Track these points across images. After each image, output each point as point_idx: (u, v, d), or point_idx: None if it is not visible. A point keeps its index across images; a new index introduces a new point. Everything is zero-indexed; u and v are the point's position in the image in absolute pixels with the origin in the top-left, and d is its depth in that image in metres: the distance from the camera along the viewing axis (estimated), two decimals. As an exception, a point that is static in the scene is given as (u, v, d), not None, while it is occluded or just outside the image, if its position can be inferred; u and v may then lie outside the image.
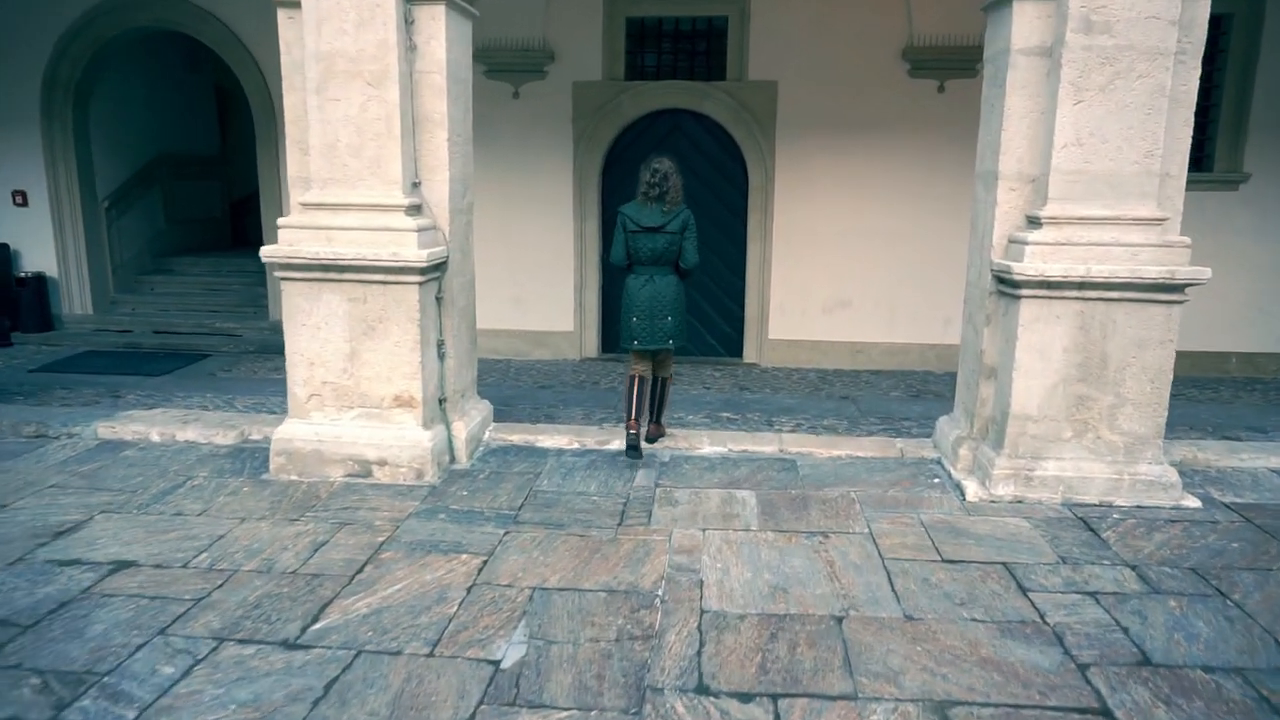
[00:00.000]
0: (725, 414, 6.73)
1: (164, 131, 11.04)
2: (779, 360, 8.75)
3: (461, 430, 4.98)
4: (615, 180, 8.81)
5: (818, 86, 8.19)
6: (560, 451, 5.14)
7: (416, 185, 4.67)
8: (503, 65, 8.45)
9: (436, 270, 4.71)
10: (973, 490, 4.38)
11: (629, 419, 5.02)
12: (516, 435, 5.34)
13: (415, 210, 4.62)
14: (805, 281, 8.59)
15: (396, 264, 4.46)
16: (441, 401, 4.94)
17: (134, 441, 5.29)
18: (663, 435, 5.30)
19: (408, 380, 4.66)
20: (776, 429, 6.22)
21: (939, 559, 3.68)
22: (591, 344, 9.02)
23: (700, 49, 8.56)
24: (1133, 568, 3.59)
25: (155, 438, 5.36)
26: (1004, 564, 3.63)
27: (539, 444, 5.25)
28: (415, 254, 4.44)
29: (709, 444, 5.20)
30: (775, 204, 8.47)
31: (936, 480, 4.64)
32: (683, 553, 3.75)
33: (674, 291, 5.00)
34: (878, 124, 8.19)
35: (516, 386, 7.88)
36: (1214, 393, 7.88)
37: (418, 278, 4.51)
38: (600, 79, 8.47)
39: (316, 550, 3.77)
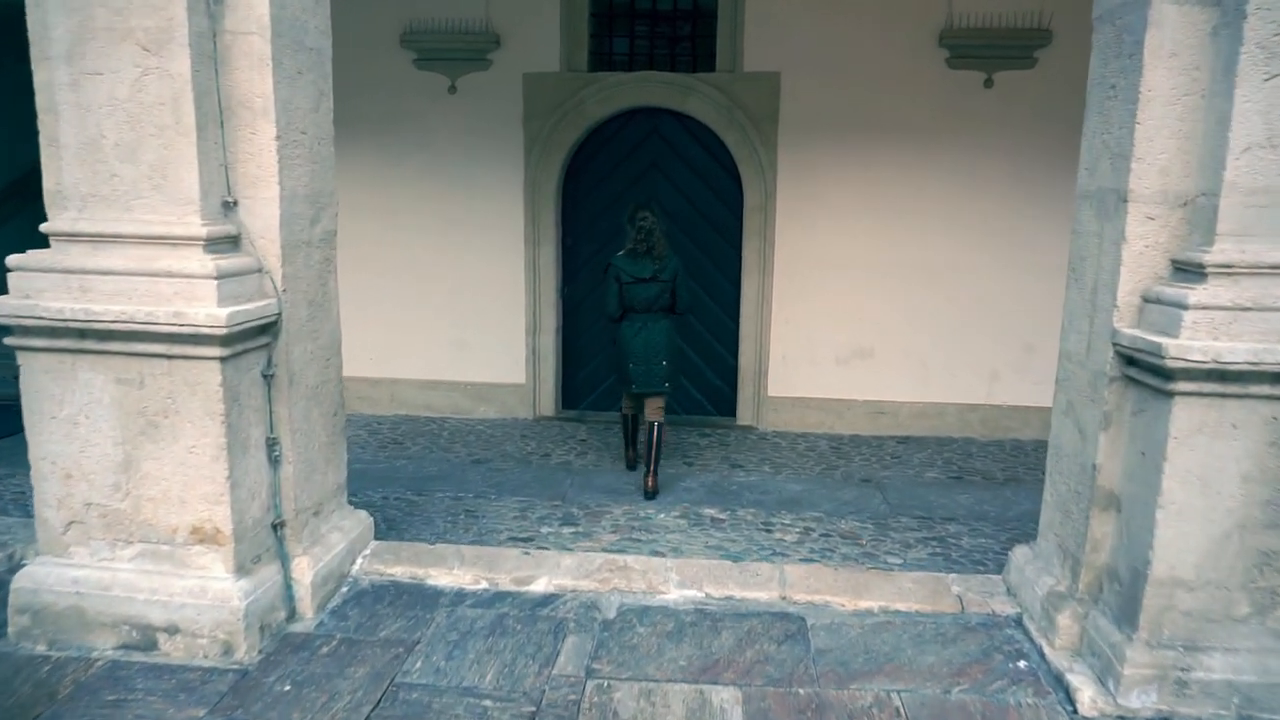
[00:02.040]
0: (708, 510, 5.22)
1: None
2: (782, 423, 7.25)
3: (307, 569, 3.47)
4: (577, 196, 7.35)
5: (831, 80, 6.76)
6: (459, 596, 3.63)
7: (230, 206, 3.18)
8: (435, 52, 7.01)
9: (260, 335, 3.22)
10: (1088, 697, 2.86)
11: (629, 449, 6.02)
12: (400, 567, 3.83)
13: (227, 244, 3.14)
14: (814, 325, 7.11)
15: (183, 329, 2.97)
16: (278, 527, 3.43)
17: None
18: (658, 492, 5.55)
19: (211, 504, 3.15)
20: (777, 540, 4.72)
21: None
22: (548, 400, 7.52)
23: (683, 33, 7.13)
24: None
25: (-116, 564, 3.86)
26: None
27: (430, 582, 3.75)
28: (211, 313, 2.95)
29: (677, 584, 3.69)
30: (777, 228, 7.01)
31: (1023, 664, 3.13)
32: None
33: (667, 337, 5.50)
34: (907, 127, 6.74)
35: (445, 460, 6.37)
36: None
37: (218, 350, 3.01)
38: (558, 70, 7.03)
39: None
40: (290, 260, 3.32)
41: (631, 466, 5.96)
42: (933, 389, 7.11)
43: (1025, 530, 4.96)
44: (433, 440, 6.88)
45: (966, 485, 5.96)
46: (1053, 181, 6.67)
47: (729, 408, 7.48)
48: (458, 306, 7.42)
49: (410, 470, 6.09)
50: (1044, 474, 3.53)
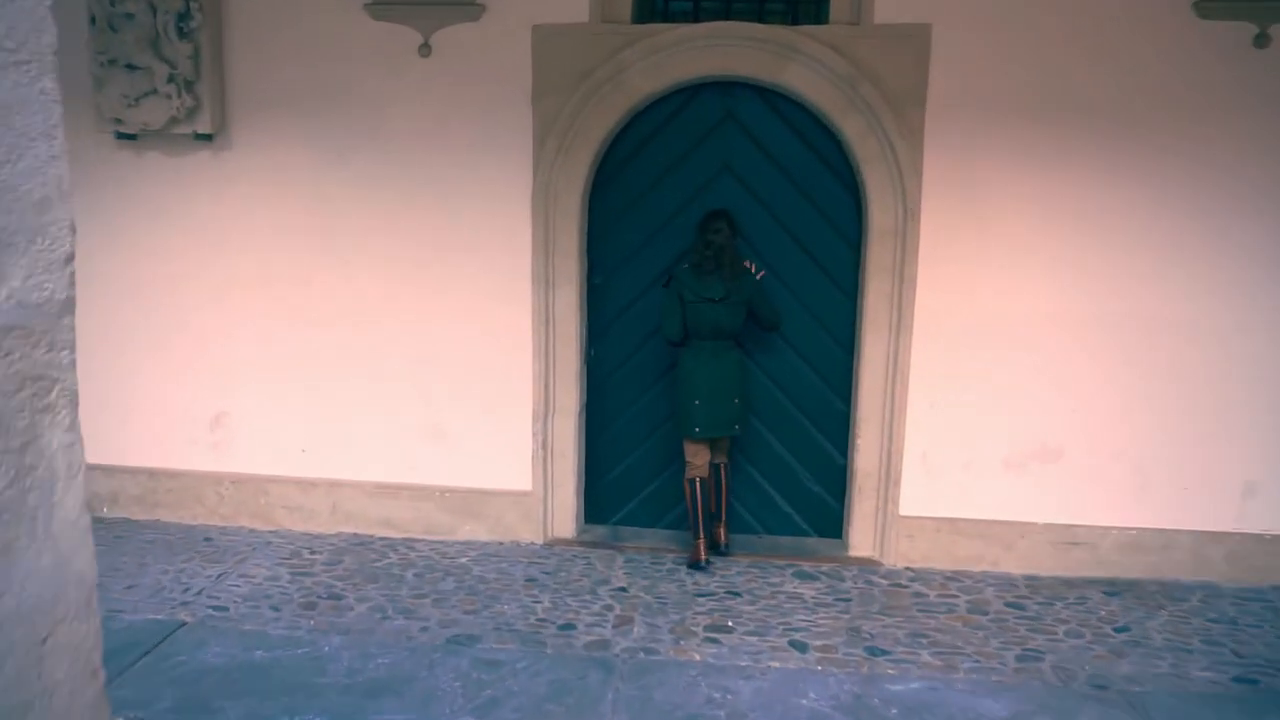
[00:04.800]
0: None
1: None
2: (919, 556, 5.02)
3: None
4: (612, 213, 5.18)
5: (1010, 37, 4.61)
6: None
7: None
8: (401, -5, 4.86)
9: None
10: None
11: (697, 538, 4.91)
12: None
13: None
14: (973, 410, 4.91)
15: None
16: None
17: None
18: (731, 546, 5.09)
19: None
20: None
21: None
22: (565, 514, 5.30)
23: (777, -32, 4.99)
24: None
25: None
26: None
27: None
28: None
29: None
30: (920, 265, 4.82)
31: None
32: None
33: (739, 370, 4.88)
34: (1128, 111, 4.60)
35: (403, 635, 4.15)
36: None
37: None
38: (587, 20, 4.87)
39: None
40: None
41: (700, 565, 4.90)
42: (1152, 508, 4.87)
43: None
44: (390, 590, 4.64)
45: (1272, 698, 3.72)
46: (1356, 194, 4.51)
47: (834, 527, 5.26)
48: (432, 377, 5.21)
49: (344, 663, 3.85)
50: None
